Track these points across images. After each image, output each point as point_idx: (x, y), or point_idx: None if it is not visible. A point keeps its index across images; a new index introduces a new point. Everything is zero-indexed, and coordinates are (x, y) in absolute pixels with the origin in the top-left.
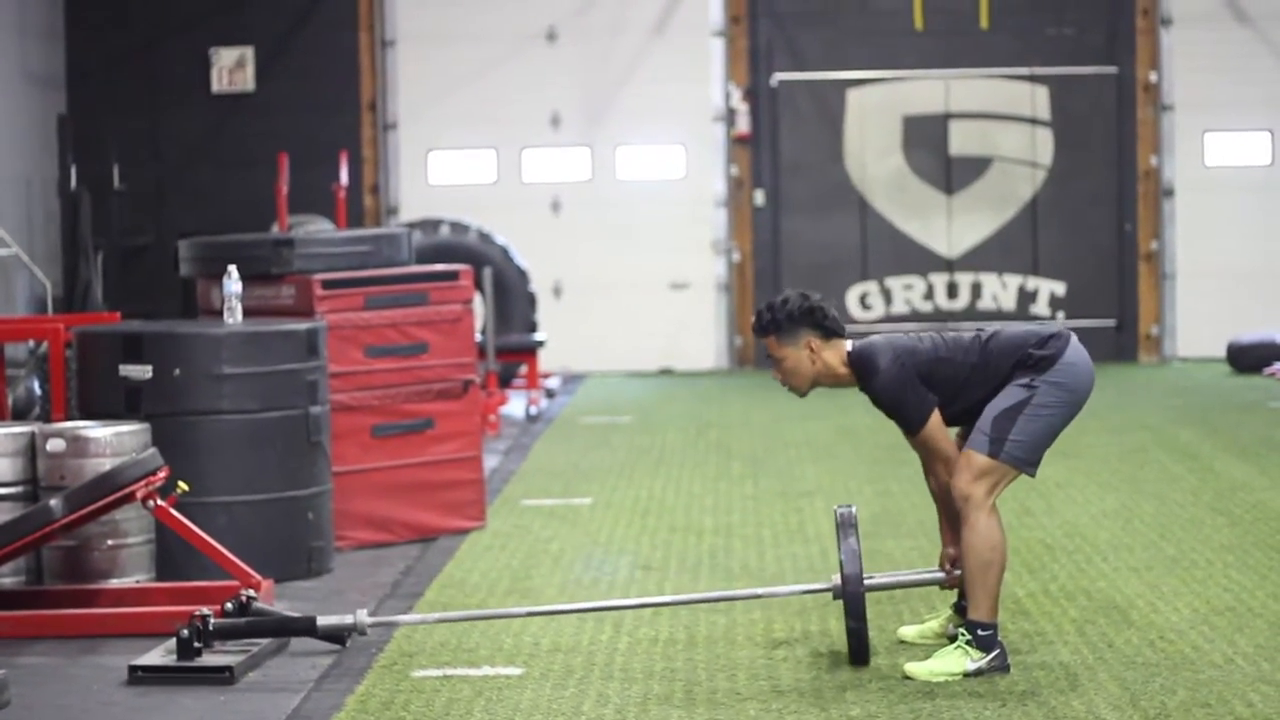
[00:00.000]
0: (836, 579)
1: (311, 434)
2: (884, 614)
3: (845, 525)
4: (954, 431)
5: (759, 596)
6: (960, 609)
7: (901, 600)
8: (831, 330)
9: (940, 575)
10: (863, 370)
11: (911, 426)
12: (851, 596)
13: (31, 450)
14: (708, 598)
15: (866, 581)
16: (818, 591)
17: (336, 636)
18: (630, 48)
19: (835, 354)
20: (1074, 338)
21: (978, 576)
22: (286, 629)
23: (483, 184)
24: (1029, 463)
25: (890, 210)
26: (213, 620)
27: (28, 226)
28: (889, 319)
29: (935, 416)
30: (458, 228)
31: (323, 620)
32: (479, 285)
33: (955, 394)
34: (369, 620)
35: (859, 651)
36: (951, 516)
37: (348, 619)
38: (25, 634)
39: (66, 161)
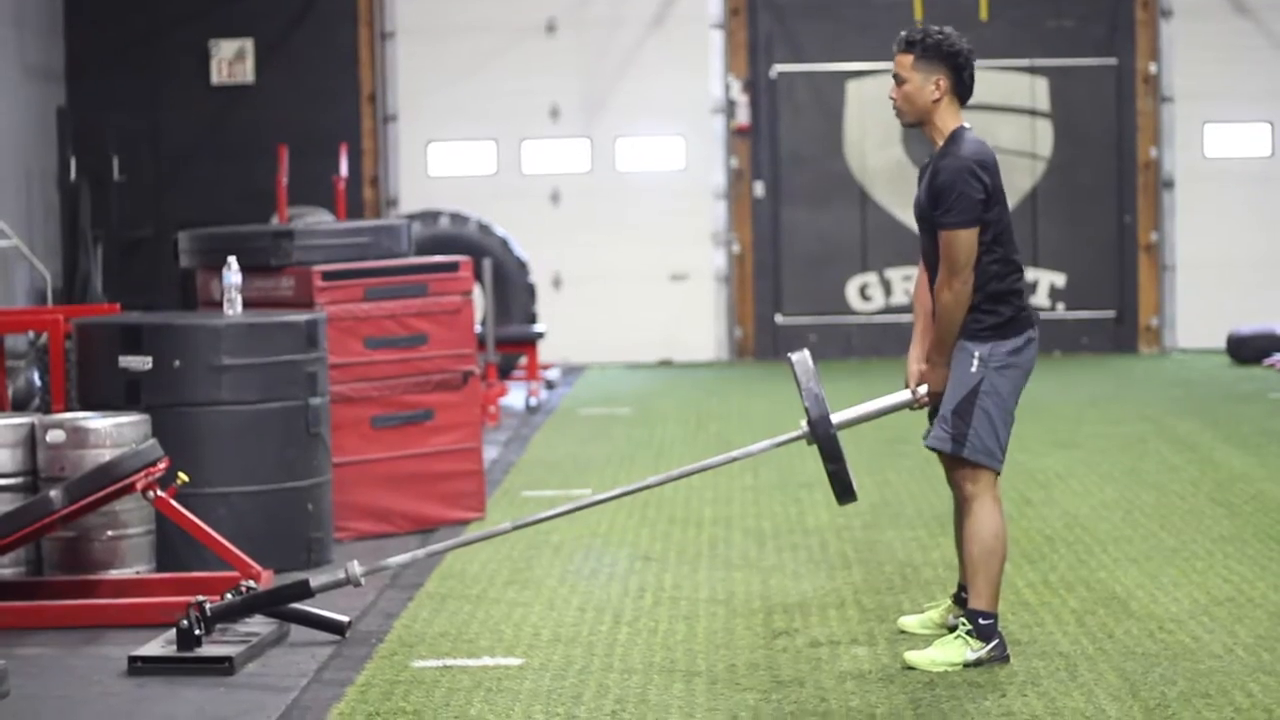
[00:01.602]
0: (805, 424)
1: (311, 425)
2: (884, 605)
3: (803, 371)
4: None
5: (736, 459)
6: (960, 599)
7: (902, 590)
8: (964, 87)
9: (906, 396)
10: (950, 145)
11: (949, 220)
12: (824, 438)
13: (31, 441)
14: (689, 470)
15: (835, 420)
16: (792, 440)
17: (336, 625)
18: (630, 39)
19: (951, 111)
20: (1038, 326)
21: (980, 565)
22: (281, 596)
23: (482, 175)
24: (995, 458)
25: (890, 201)
26: (209, 603)
27: (27, 218)
28: (889, 310)
29: (974, 232)
30: (457, 219)
31: (315, 580)
32: (478, 277)
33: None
34: (360, 570)
35: (843, 491)
36: (928, 329)
37: (339, 574)
38: (25, 625)
39: (66, 154)
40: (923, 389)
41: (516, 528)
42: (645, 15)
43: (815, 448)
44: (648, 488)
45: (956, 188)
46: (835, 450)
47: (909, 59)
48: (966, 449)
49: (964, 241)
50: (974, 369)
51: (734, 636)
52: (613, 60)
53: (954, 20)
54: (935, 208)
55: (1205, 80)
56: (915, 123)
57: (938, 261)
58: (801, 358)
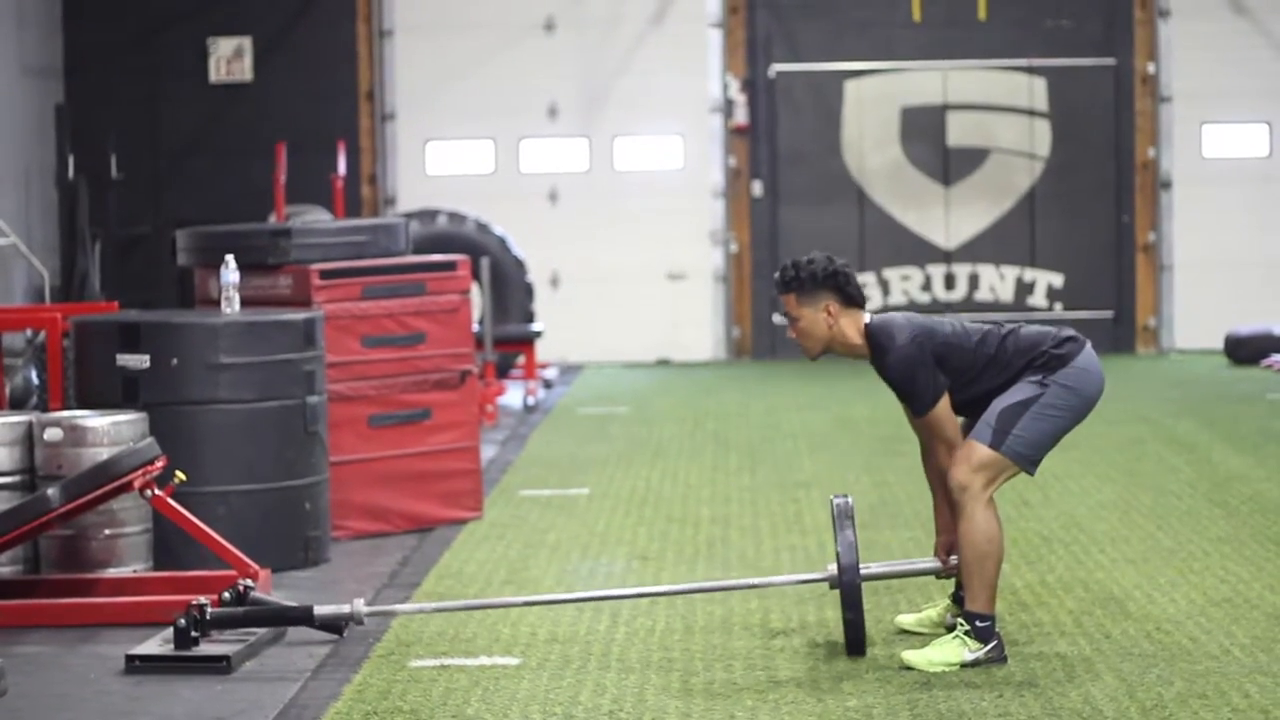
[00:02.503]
0: (832, 568)
1: (309, 424)
2: (881, 604)
3: (842, 516)
4: (960, 421)
5: (755, 586)
6: (958, 599)
7: (899, 590)
8: (852, 298)
9: (936, 564)
10: (878, 345)
11: (920, 408)
12: (848, 587)
13: (29, 439)
14: (703, 587)
15: (862, 571)
16: (814, 581)
17: (333, 626)
18: (628, 38)
19: (853, 323)
20: (1089, 345)
21: (975, 568)
22: (283, 618)
23: (480, 174)
24: (1030, 460)
25: (888, 201)
26: (210, 610)
27: (25, 216)
28: (886, 310)
29: (945, 400)
30: (455, 218)
31: (320, 609)
32: (476, 275)
33: (967, 383)
34: (366, 610)
35: (855, 642)
36: (948, 503)
37: (344, 608)
38: (22, 623)
39: (64, 151)
40: (954, 558)
41: (528, 604)
42: (644, 14)
43: (837, 593)
44: (669, 594)
45: (911, 379)
46: (857, 600)
47: (792, 299)
48: (1004, 447)
49: (943, 416)
50: (1034, 385)
51: (731, 636)
52: (611, 59)
53: (952, 21)
54: (904, 400)
55: (1203, 80)
56: (824, 351)
57: (923, 433)
58: (844, 503)
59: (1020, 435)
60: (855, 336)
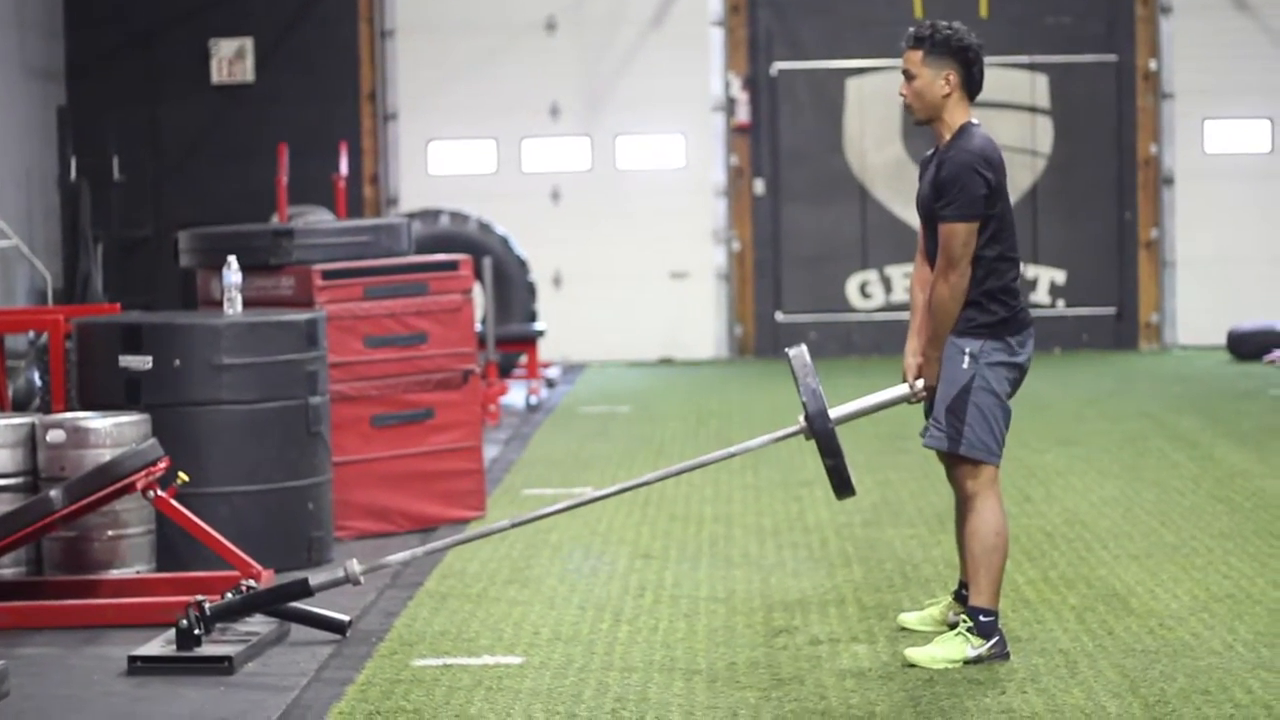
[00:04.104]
0: (802, 420)
1: (311, 424)
2: (884, 602)
3: (801, 367)
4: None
5: (734, 454)
6: (961, 596)
7: (901, 589)
8: (974, 81)
9: (904, 390)
10: (961, 137)
11: (949, 212)
12: (821, 433)
13: (32, 441)
14: (688, 466)
15: (832, 415)
16: (790, 436)
17: (336, 624)
18: (630, 37)
19: (960, 107)
20: (1032, 327)
21: (982, 562)
22: (282, 595)
23: (482, 174)
24: (992, 453)
25: (890, 199)
26: (208, 603)
27: (28, 218)
28: (889, 307)
29: (974, 225)
30: (457, 218)
31: (315, 579)
32: (479, 275)
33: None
34: (359, 568)
35: (841, 485)
36: (925, 323)
37: (339, 572)
38: (25, 625)
39: (66, 153)
40: (920, 383)
41: (516, 525)
42: (645, 13)
43: (814, 442)
44: (646, 484)
45: (960, 181)
46: (833, 445)
47: (918, 55)
48: (963, 446)
49: (962, 234)
50: (965, 365)
51: (734, 634)
52: (613, 58)
53: (954, 17)
54: (937, 199)
55: (1205, 76)
56: (927, 119)
57: (929, 243)
58: (799, 353)
59: (972, 427)
60: (955, 120)
